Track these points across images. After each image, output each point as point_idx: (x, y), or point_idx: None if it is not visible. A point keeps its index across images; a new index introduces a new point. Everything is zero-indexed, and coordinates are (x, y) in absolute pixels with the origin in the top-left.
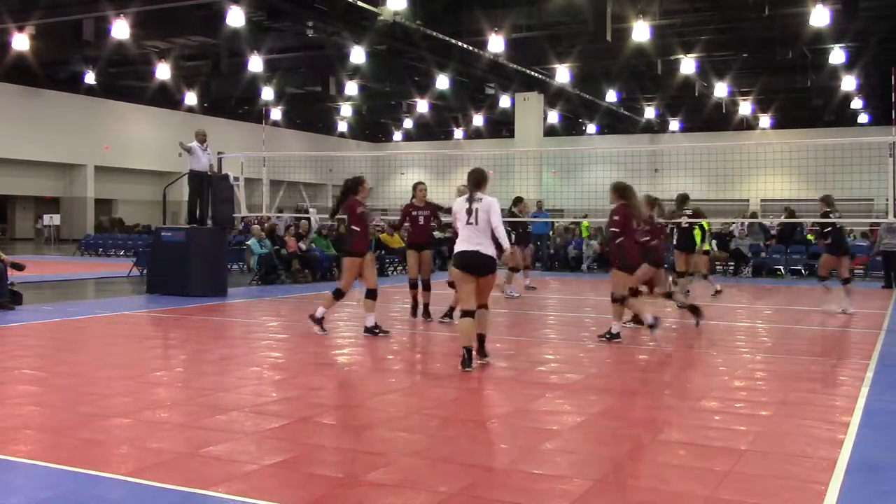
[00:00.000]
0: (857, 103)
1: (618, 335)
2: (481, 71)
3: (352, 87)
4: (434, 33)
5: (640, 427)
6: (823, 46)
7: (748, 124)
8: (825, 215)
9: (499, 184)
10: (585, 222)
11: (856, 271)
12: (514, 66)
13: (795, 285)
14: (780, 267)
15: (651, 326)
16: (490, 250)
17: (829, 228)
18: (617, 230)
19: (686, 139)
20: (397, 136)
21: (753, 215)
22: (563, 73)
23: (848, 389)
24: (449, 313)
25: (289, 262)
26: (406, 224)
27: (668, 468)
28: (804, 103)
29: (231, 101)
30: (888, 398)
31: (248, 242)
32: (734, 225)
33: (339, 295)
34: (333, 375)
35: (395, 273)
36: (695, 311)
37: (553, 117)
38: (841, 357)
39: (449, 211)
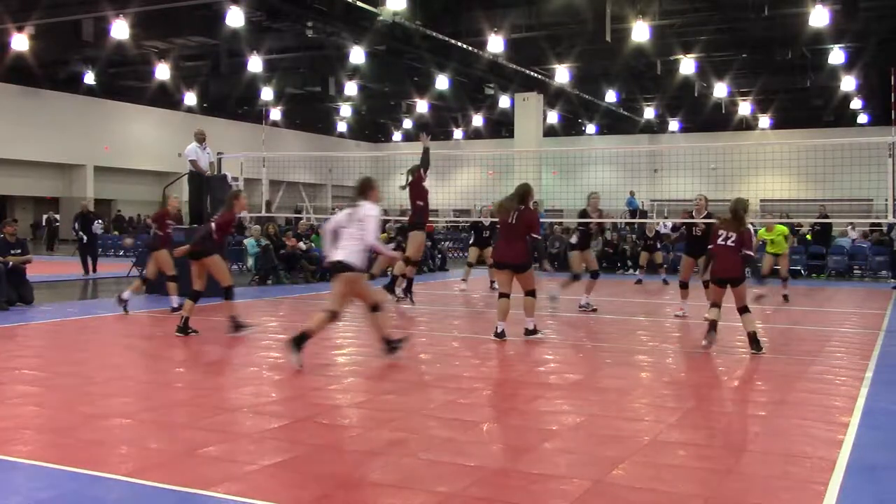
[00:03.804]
0: (856, 103)
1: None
2: (481, 71)
3: (351, 88)
4: (434, 33)
5: (639, 427)
6: (823, 47)
7: (748, 124)
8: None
9: (499, 184)
10: None
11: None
12: (514, 66)
13: (794, 286)
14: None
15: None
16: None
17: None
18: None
19: (685, 139)
20: (397, 136)
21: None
22: (562, 74)
23: (847, 389)
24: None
25: (289, 262)
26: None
27: (668, 468)
28: (804, 103)
29: (230, 101)
30: (888, 398)
31: (245, 241)
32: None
33: None
34: (333, 375)
35: None
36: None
37: (553, 117)
38: (840, 357)
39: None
